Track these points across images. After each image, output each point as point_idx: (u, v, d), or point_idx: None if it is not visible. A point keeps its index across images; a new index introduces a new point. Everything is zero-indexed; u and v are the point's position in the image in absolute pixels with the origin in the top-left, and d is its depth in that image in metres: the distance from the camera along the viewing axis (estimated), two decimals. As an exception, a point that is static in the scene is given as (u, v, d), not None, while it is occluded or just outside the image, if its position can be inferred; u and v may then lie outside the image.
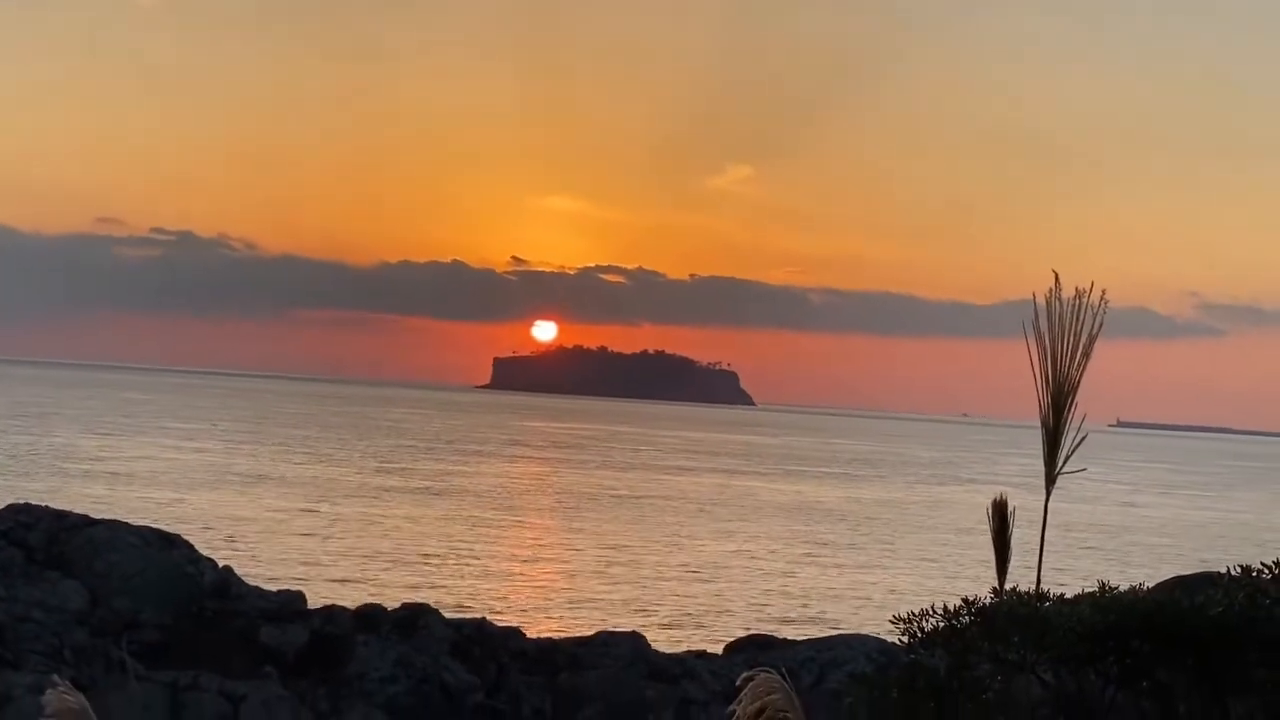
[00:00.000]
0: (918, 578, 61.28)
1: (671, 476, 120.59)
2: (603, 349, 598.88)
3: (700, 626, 45.04)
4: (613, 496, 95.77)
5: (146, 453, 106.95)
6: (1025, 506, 6.48)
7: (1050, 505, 5.75)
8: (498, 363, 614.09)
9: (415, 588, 47.69)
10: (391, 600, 25.73)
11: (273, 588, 24.64)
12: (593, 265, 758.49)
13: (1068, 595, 10.19)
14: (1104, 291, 5.34)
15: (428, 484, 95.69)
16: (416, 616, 22.17)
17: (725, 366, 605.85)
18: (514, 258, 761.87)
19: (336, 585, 47.39)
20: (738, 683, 5.86)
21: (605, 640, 22.93)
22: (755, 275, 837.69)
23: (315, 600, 24.65)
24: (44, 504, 24.14)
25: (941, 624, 10.03)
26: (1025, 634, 9.30)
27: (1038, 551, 5.89)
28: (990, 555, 6.47)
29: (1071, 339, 5.37)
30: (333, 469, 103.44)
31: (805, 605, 51.93)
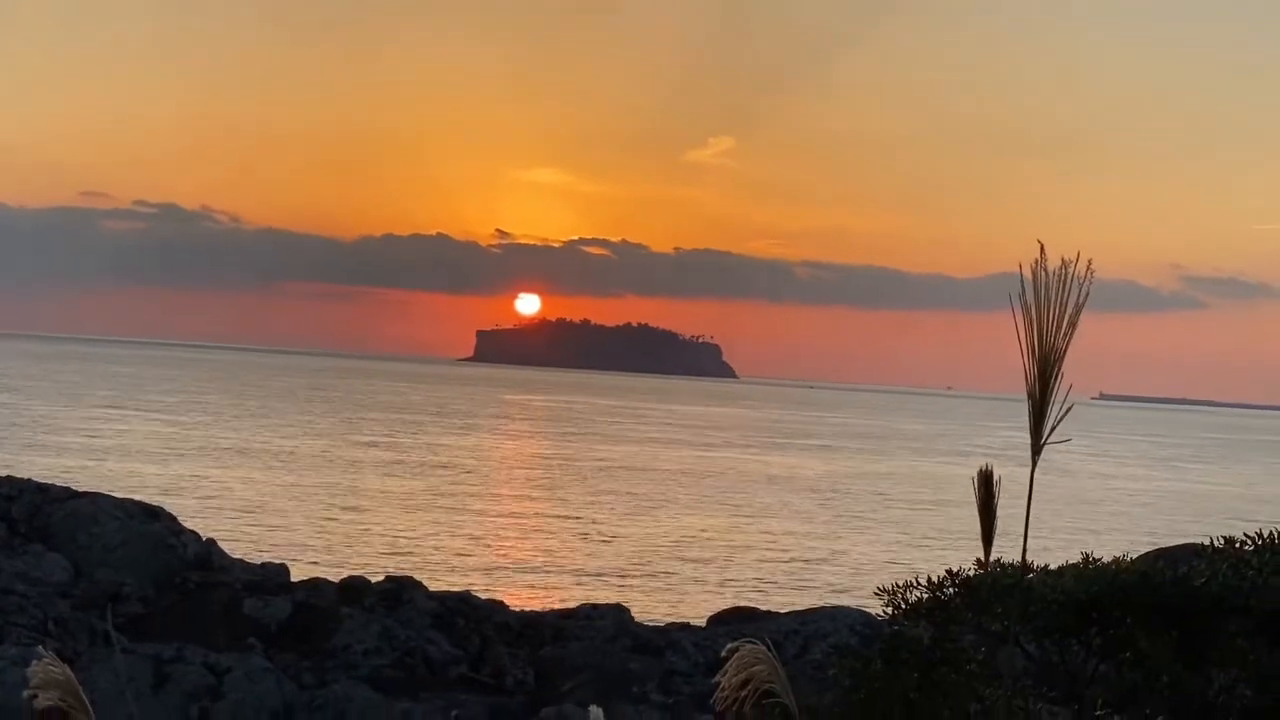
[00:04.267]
0: (901, 550, 61.40)
1: (654, 449, 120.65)
2: (586, 322, 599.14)
3: (684, 599, 45.09)
4: (595, 469, 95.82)
5: (129, 425, 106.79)
6: (1010, 477, 6.48)
7: (1035, 477, 5.75)
8: (480, 335, 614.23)
9: (399, 560, 47.69)
10: (375, 573, 25.74)
11: (256, 560, 24.64)
12: (576, 238, 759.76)
13: (1051, 566, 10.21)
14: (1090, 262, 5.33)
15: (410, 456, 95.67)
16: (400, 589, 22.18)
17: (708, 339, 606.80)
18: (498, 231, 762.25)
19: (320, 558, 47.39)
20: (723, 654, 5.87)
21: (589, 613, 22.96)
22: (739, 248, 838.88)
23: (299, 573, 24.65)
24: (26, 477, 24.11)
25: (925, 595, 10.06)
26: (1009, 605, 9.32)
27: (1023, 523, 5.89)
28: (974, 526, 6.46)
29: (1058, 310, 5.37)
30: (316, 441, 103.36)
31: (789, 577, 52.01)
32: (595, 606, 23.64)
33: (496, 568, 51.10)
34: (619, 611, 23.11)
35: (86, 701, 4.91)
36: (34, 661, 4.91)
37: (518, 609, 23.94)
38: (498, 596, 25.55)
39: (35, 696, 4.85)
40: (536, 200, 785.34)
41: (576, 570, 50.95)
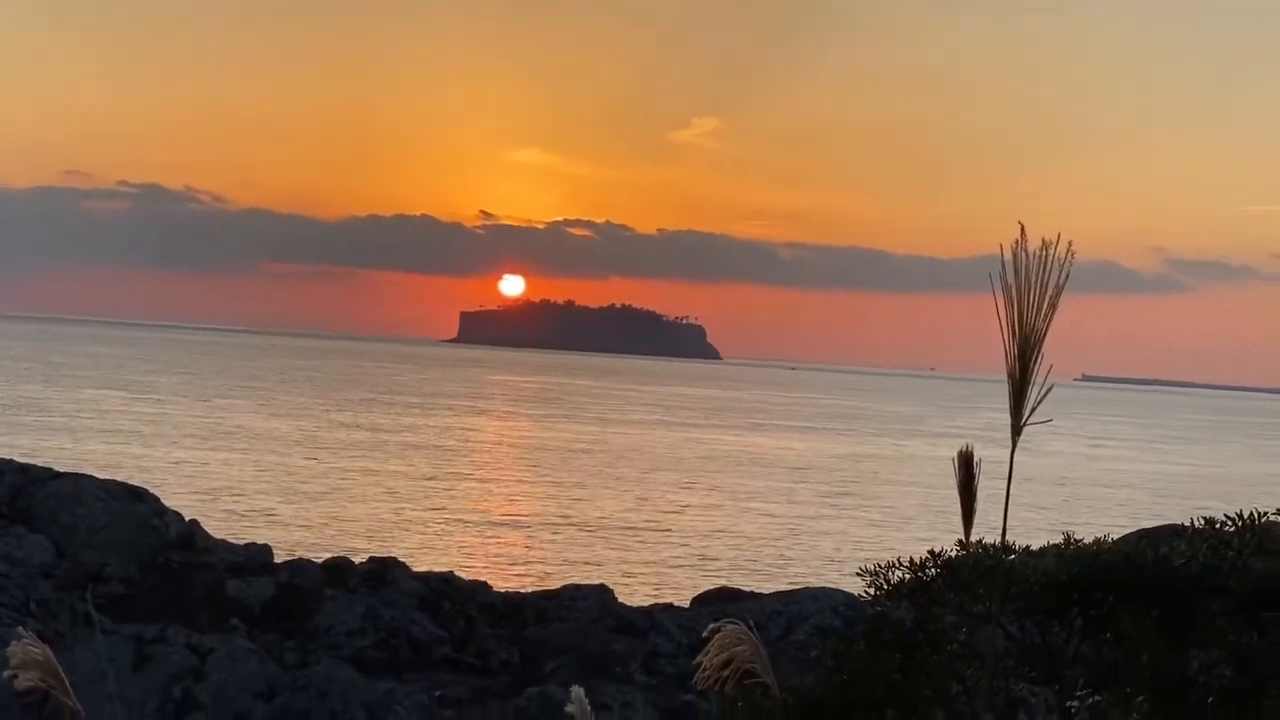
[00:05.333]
0: (884, 531, 61.50)
1: (638, 430, 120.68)
2: (570, 303, 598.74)
3: (667, 580, 45.15)
4: (579, 450, 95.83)
5: (112, 406, 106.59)
6: (991, 459, 6.49)
7: (1016, 458, 5.76)
8: (464, 316, 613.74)
9: (383, 541, 47.69)
10: (359, 553, 25.74)
11: (240, 541, 24.62)
12: (561, 219, 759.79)
13: (1033, 547, 10.23)
14: (1070, 243, 5.34)
15: (394, 437, 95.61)
16: (384, 570, 22.16)
17: (692, 321, 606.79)
18: (482, 212, 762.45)
19: (304, 538, 47.38)
20: (705, 634, 5.88)
21: (572, 593, 22.95)
22: (723, 229, 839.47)
23: (282, 553, 24.64)
24: (8, 457, 24.05)
25: (907, 576, 10.06)
26: (990, 586, 9.33)
27: (1003, 503, 5.90)
28: (956, 508, 6.47)
29: (1038, 291, 5.38)
30: (299, 422, 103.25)
31: (772, 558, 52.08)
32: (579, 587, 23.62)
33: (480, 548, 51.11)
34: (602, 592, 23.11)
35: (67, 682, 4.91)
36: (14, 642, 4.91)
37: (502, 590, 23.94)
38: (482, 577, 25.54)
39: (15, 677, 4.85)
40: (521, 181, 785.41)
41: (560, 551, 50.98)
